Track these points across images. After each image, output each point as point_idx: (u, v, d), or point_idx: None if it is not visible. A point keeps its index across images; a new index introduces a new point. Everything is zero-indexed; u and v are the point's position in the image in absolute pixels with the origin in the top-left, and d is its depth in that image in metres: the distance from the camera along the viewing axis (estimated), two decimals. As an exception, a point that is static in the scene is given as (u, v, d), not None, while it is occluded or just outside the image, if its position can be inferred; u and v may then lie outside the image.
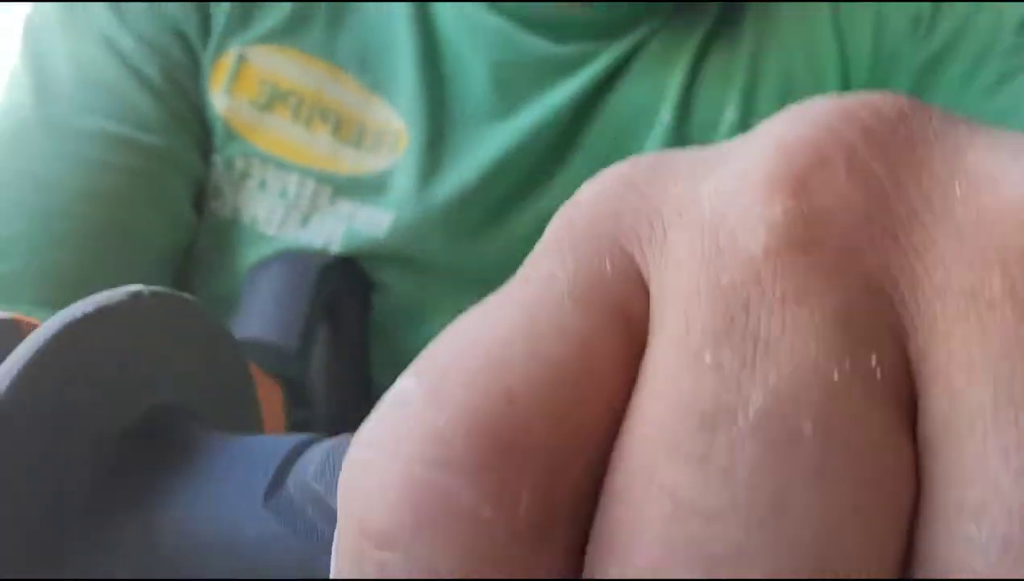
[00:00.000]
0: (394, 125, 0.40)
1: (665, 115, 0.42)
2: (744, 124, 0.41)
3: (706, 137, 0.42)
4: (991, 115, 0.42)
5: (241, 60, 0.39)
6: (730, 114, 0.42)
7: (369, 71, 0.40)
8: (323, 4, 0.40)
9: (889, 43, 0.42)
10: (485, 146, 0.40)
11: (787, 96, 0.41)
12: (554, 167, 0.41)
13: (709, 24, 0.42)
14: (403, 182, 0.39)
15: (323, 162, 0.39)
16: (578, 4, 0.40)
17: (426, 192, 0.40)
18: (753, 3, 0.42)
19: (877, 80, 0.42)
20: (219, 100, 0.39)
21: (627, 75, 0.42)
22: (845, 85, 0.42)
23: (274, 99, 0.39)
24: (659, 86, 0.42)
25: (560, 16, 0.40)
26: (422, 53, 0.40)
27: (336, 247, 0.39)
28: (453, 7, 0.40)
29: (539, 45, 0.40)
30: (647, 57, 0.42)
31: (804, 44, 0.42)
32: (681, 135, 0.42)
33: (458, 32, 0.40)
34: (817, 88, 0.41)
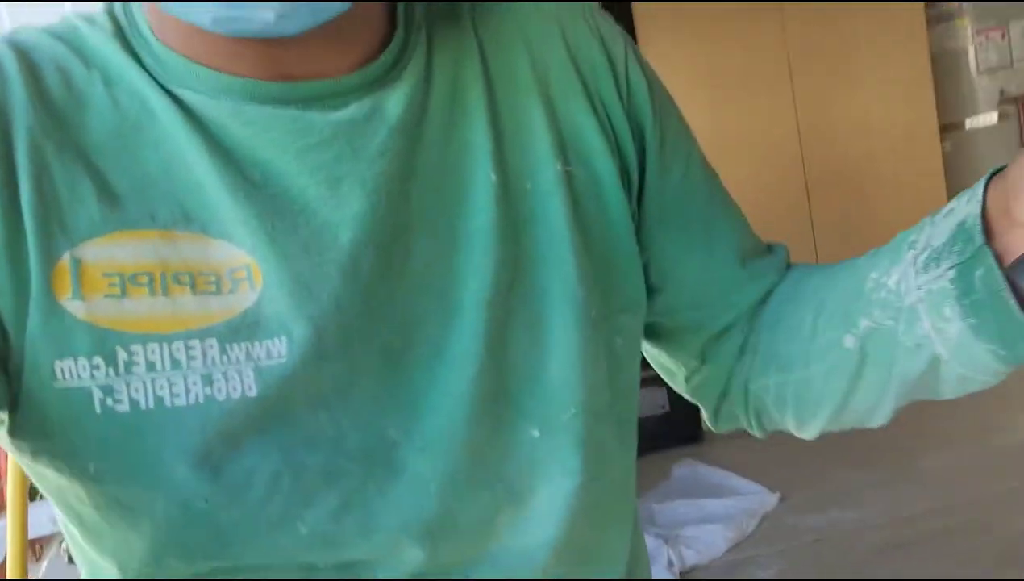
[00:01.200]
0: (243, 260, 0.40)
1: (481, 140, 0.45)
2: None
3: (523, 150, 0.46)
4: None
5: (77, 263, 0.38)
6: (539, 116, 0.46)
7: (194, 220, 0.40)
8: (122, 180, 0.40)
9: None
10: (333, 233, 0.41)
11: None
12: (402, 217, 0.43)
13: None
14: (278, 305, 0.40)
15: (197, 322, 0.39)
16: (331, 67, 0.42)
17: (304, 300, 0.40)
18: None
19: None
20: (73, 306, 0.38)
21: (426, 123, 0.44)
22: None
23: (126, 284, 0.39)
24: (464, 113, 0.45)
25: (326, 84, 0.42)
26: (227, 178, 0.40)
27: (254, 390, 0.39)
28: (232, 119, 0.40)
29: (323, 118, 0.41)
30: (435, 90, 0.45)
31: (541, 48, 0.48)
32: (501, 153, 0.45)
33: (250, 140, 0.41)
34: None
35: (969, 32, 3.61)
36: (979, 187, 0.41)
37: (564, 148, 0.47)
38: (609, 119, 0.49)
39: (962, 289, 0.40)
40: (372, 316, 0.42)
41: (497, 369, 0.44)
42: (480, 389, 0.44)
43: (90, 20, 0.43)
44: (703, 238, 0.53)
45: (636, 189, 0.50)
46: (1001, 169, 0.41)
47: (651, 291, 0.53)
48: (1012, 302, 0.38)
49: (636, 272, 0.50)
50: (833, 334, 0.48)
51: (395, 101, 0.43)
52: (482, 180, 0.45)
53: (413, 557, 0.44)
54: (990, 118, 3.59)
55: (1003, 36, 3.61)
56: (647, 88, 0.50)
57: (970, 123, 3.61)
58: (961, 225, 0.40)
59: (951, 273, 0.40)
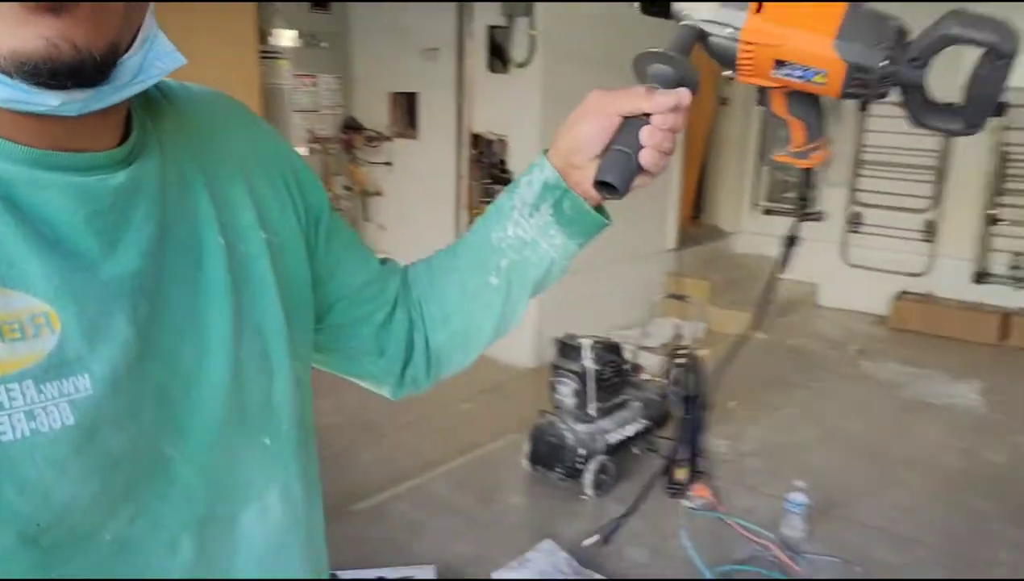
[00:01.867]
0: (42, 308, 0.45)
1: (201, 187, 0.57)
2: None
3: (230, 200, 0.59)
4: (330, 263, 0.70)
5: None
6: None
7: None
8: None
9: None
10: (116, 286, 0.49)
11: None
12: (161, 272, 0.52)
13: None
14: (78, 347, 0.46)
15: (11, 366, 0.44)
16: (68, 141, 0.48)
17: (98, 342, 0.47)
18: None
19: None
20: None
21: (169, 194, 0.54)
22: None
23: None
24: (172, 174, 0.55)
25: (101, 156, 0.49)
26: (25, 236, 0.45)
27: (71, 420, 0.45)
28: (28, 185, 0.46)
29: (103, 185, 0.49)
30: (168, 168, 0.55)
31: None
32: (222, 222, 0.57)
33: (46, 203, 0.46)
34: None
35: (289, 75, 4.17)
36: (544, 161, 0.71)
37: (263, 221, 0.61)
38: (292, 201, 0.65)
39: (559, 217, 0.71)
40: (148, 354, 0.50)
41: (239, 394, 0.56)
42: (228, 411, 0.55)
43: None
44: (356, 256, 0.73)
45: (313, 245, 0.68)
46: (546, 151, 0.72)
47: (329, 307, 0.71)
48: (589, 208, 0.70)
49: (311, 311, 0.67)
50: (480, 280, 0.74)
51: (148, 174, 0.52)
52: (213, 243, 0.56)
53: (188, 549, 0.53)
54: (302, 151, 4.22)
55: (313, 84, 4.27)
56: (313, 177, 0.70)
57: (287, 152, 4.17)
58: (546, 183, 0.70)
59: (550, 210, 0.71)
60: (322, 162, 4.29)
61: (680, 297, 4.47)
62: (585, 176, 0.69)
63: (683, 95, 0.67)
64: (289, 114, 4.14)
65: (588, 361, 2.88)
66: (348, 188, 4.48)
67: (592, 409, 2.89)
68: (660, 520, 2.73)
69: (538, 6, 3.77)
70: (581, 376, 2.87)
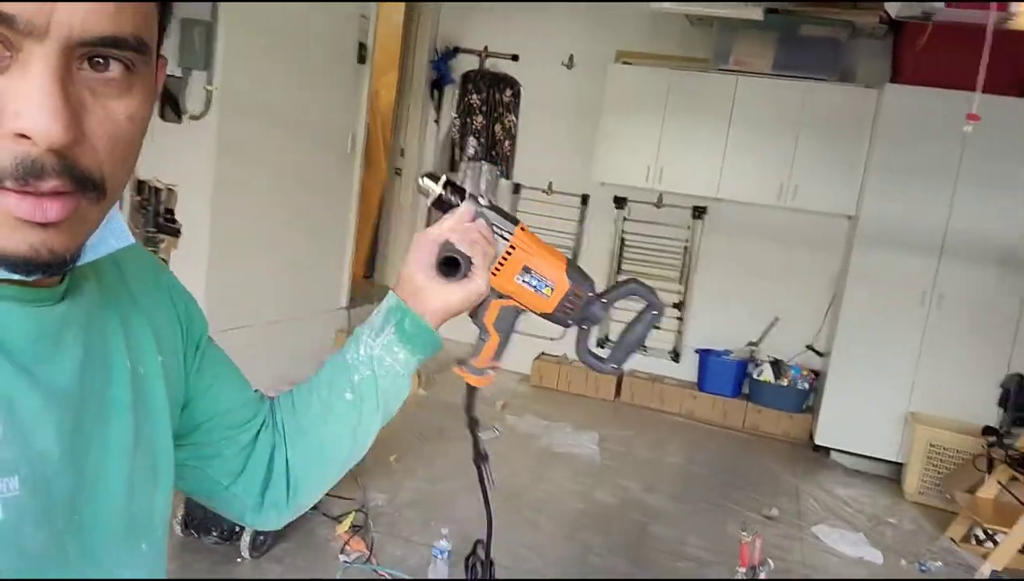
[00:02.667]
0: None
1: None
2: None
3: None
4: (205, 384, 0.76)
5: None
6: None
7: None
8: None
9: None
10: (44, 402, 0.54)
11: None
12: (81, 391, 0.59)
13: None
14: (9, 452, 0.51)
15: None
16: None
17: (26, 449, 0.52)
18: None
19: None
20: None
21: (91, 323, 0.61)
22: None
23: None
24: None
25: (46, 291, 0.56)
26: None
27: (1, 515, 0.50)
28: None
29: (51, 313, 0.56)
30: (90, 304, 0.62)
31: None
32: (129, 347, 0.65)
33: (5, 329, 0.53)
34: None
35: None
36: (390, 293, 0.82)
37: (160, 345, 0.68)
38: (182, 328, 0.73)
39: (401, 334, 0.81)
40: (65, 459, 0.55)
41: (129, 503, 0.62)
42: (120, 517, 0.61)
43: None
44: (228, 381, 0.80)
45: (190, 366, 0.75)
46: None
47: (197, 426, 0.76)
48: (427, 324, 0.81)
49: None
50: (336, 395, 0.82)
51: (79, 306, 0.60)
52: (120, 364, 0.63)
53: None
54: None
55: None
56: (197, 308, 0.77)
57: None
58: (390, 308, 0.82)
59: (393, 330, 0.81)
60: None
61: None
62: (423, 299, 0.82)
63: (464, 210, 0.84)
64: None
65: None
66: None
67: (253, 469, 2.92)
68: (316, 576, 2.83)
69: (218, 64, 3.78)
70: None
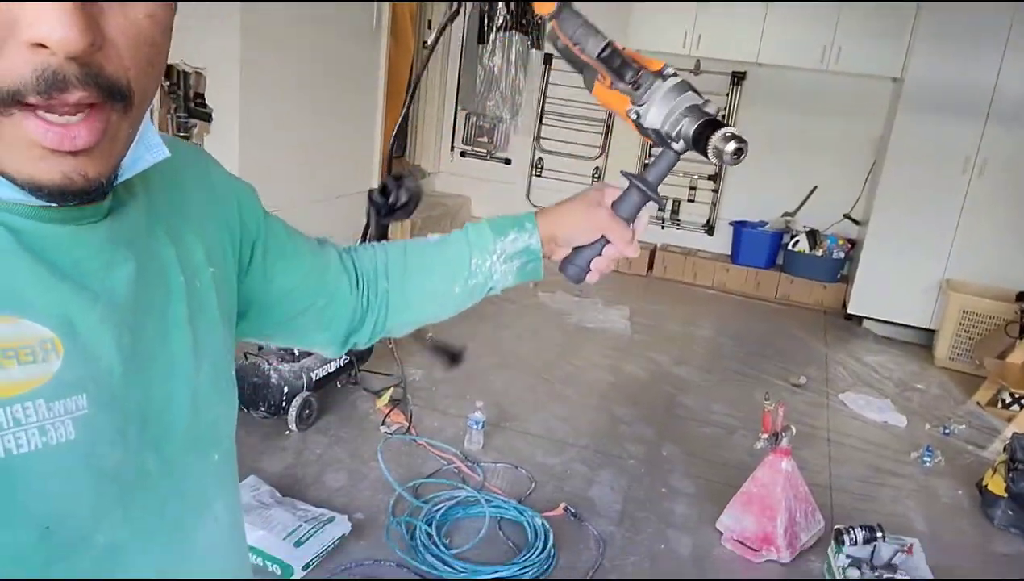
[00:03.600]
0: (47, 334, 0.50)
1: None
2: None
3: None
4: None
5: None
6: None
7: (6, 306, 0.49)
8: None
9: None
10: (106, 319, 0.54)
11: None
12: (137, 305, 0.58)
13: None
14: (77, 370, 0.51)
15: (27, 386, 0.48)
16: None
17: (93, 365, 0.52)
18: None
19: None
20: None
21: (139, 240, 0.60)
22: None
23: None
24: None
25: (75, 211, 0.54)
26: (30, 272, 0.50)
27: (73, 434, 0.50)
28: (29, 233, 0.51)
29: (95, 233, 0.55)
30: (139, 221, 0.61)
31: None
32: (180, 261, 0.64)
33: (44, 246, 0.52)
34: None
35: None
36: (535, 231, 0.86)
37: (210, 257, 0.68)
38: (238, 227, 0.74)
39: (521, 271, 0.87)
40: (129, 376, 0.55)
41: (196, 415, 0.62)
42: (190, 430, 0.61)
43: None
44: (292, 257, 0.81)
45: (247, 262, 0.76)
46: (539, 209, 0.88)
47: (271, 306, 0.79)
48: (542, 269, 0.88)
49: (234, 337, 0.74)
50: (447, 287, 0.88)
51: (126, 222, 0.59)
52: (175, 279, 0.63)
53: (159, 553, 0.59)
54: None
55: None
56: (253, 203, 0.77)
57: None
58: (528, 248, 0.86)
59: (518, 265, 0.87)
60: None
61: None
62: (553, 250, 0.88)
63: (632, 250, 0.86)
64: None
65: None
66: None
67: (296, 348, 3.07)
68: (359, 446, 3.02)
69: (233, -60, 3.68)
70: (283, 319, 3.02)
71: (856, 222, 5.50)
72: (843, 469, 3.29)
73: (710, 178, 5.80)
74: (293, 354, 3.08)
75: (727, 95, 5.61)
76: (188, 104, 4.02)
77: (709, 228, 5.90)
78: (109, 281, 0.55)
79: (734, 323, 5.08)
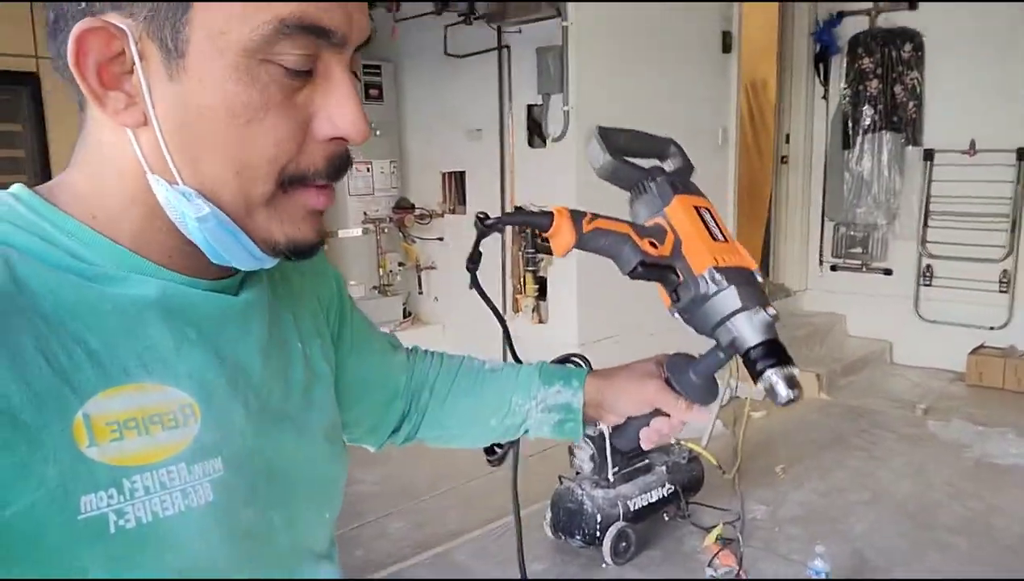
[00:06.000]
0: (186, 400, 0.54)
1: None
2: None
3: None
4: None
5: (88, 418, 0.49)
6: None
7: (152, 372, 0.52)
8: (95, 339, 0.50)
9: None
10: (239, 383, 0.58)
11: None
12: (264, 371, 0.62)
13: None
14: (213, 433, 0.54)
15: (170, 451, 0.52)
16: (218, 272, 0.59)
17: (227, 428, 0.56)
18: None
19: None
20: (92, 452, 0.48)
21: (269, 309, 0.65)
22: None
23: (122, 430, 0.50)
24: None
25: (229, 281, 0.60)
26: (173, 340, 0.54)
27: (211, 496, 0.53)
28: (176, 298, 0.55)
29: (231, 302, 0.60)
30: (265, 294, 0.65)
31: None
32: (298, 331, 0.69)
33: (188, 314, 0.56)
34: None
35: (345, 162, 4.45)
36: (579, 393, 0.82)
37: (318, 328, 0.73)
38: (333, 304, 0.78)
39: (559, 428, 0.84)
40: (258, 438, 0.59)
41: (315, 473, 0.66)
42: (311, 488, 0.65)
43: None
44: (368, 350, 0.83)
45: (341, 340, 0.79)
46: (590, 370, 0.86)
47: (337, 392, 0.77)
48: (581, 430, 0.84)
49: None
50: (486, 416, 0.86)
51: (258, 295, 0.63)
52: (295, 346, 0.68)
53: None
54: (356, 232, 4.49)
55: (368, 169, 4.57)
56: (337, 286, 0.80)
57: (342, 233, 4.46)
58: (567, 404, 0.83)
59: (555, 419, 0.83)
60: (375, 240, 4.54)
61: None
62: (602, 415, 0.84)
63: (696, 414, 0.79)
64: (346, 197, 4.43)
65: (603, 425, 2.91)
66: (401, 264, 4.72)
67: (609, 474, 2.91)
68: (678, 588, 2.70)
69: (570, 84, 3.94)
70: (596, 441, 2.91)
71: None
72: None
73: None
74: (608, 480, 2.92)
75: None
76: (535, 240, 4.29)
77: None
78: (241, 346, 0.60)
79: None
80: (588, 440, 2.93)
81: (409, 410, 0.88)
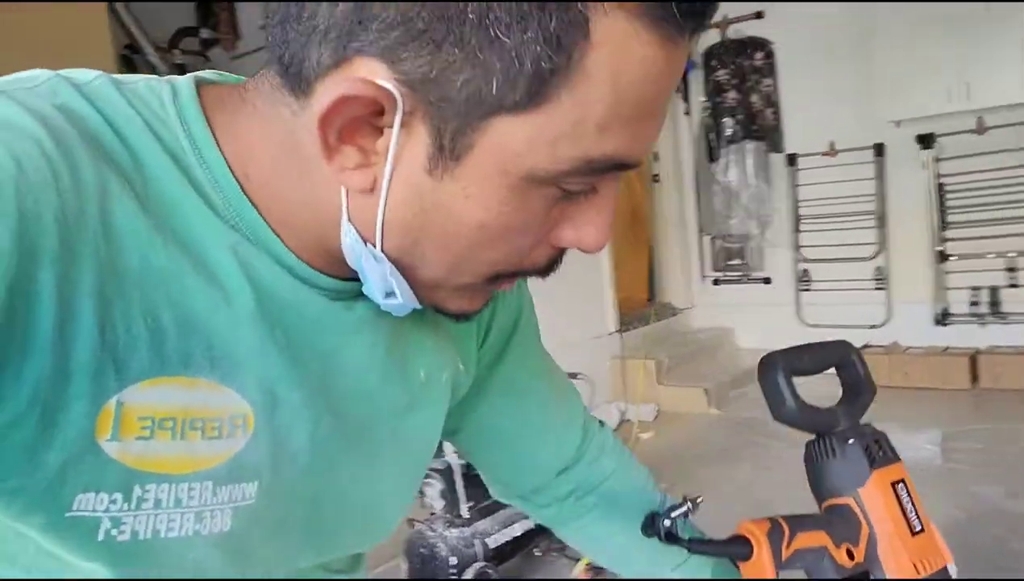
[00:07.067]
0: (242, 408, 0.45)
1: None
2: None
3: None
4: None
5: (120, 406, 0.41)
6: None
7: (217, 368, 0.44)
8: (167, 313, 0.43)
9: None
10: (315, 386, 0.50)
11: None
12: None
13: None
14: (260, 452, 0.46)
15: (202, 464, 0.44)
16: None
17: (279, 451, 0.48)
18: None
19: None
20: (111, 447, 0.41)
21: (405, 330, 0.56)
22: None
23: (155, 428, 0.42)
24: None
25: (338, 284, 0.51)
26: (258, 336, 0.46)
27: (228, 526, 0.45)
28: (285, 288, 0.48)
29: (327, 304, 0.51)
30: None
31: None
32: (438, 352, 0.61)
33: (291, 312, 0.48)
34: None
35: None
36: None
37: (444, 356, 0.61)
38: (483, 337, 0.67)
39: None
40: (313, 466, 0.50)
41: (370, 510, 0.58)
42: (360, 524, 0.57)
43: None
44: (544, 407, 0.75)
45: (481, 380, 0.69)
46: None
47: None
48: None
49: None
50: (629, 549, 0.75)
51: (377, 313, 0.53)
52: (415, 371, 0.58)
53: None
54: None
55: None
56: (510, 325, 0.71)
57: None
58: None
59: None
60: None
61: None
62: None
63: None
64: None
65: (452, 455, 2.62)
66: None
67: (463, 510, 2.60)
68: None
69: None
70: (445, 473, 2.60)
71: None
72: None
73: (1037, 253, 4.48)
74: (463, 517, 2.61)
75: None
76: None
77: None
78: (336, 359, 0.51)
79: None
80: (436, 474, 2.62)
81: (564, 498, 0.78)
